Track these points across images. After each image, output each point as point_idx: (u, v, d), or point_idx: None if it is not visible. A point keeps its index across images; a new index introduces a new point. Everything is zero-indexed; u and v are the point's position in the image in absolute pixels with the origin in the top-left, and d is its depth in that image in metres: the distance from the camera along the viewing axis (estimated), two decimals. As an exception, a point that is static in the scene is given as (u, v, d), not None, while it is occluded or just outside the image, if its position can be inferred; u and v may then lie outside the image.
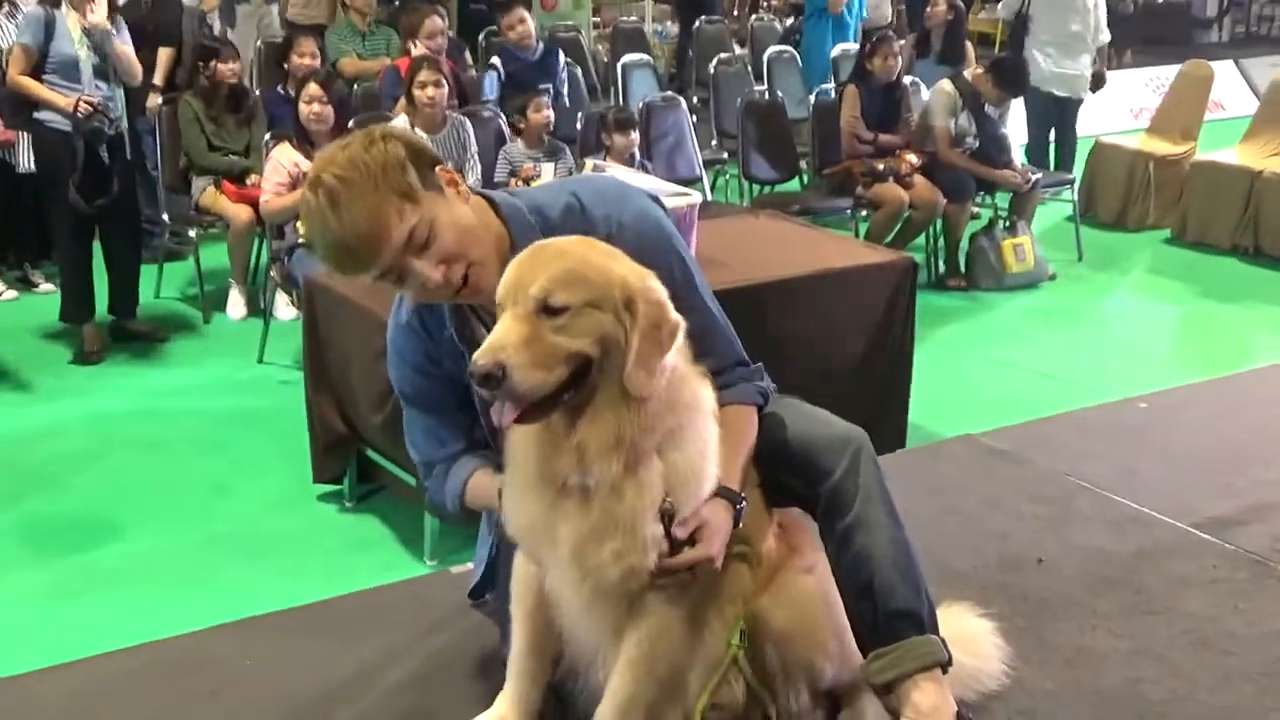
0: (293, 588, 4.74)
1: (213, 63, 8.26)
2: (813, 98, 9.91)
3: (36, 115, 7.15)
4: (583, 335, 2.46)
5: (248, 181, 8.02)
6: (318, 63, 8.62)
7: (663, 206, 2.94)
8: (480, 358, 2.41)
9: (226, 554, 5.36)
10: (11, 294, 8.27)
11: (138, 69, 7.51)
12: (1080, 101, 10.64)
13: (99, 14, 7.02)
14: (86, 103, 6.98)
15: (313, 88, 7.36)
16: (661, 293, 2.54)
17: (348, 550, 5.38)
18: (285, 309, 7.71)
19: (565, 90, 9.58)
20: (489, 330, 2.77)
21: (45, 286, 8.41)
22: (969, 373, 7.38)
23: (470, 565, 3.38)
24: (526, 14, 9.65)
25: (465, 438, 2.98)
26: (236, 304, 8.09)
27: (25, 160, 7.74)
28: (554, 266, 2.46)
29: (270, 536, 5.51)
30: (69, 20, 7.04)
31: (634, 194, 2.89)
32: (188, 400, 6.94)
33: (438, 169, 2.68)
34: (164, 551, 5.39)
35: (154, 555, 5.36)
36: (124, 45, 7.28)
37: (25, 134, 7.58)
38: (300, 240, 7.01)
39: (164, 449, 6.34)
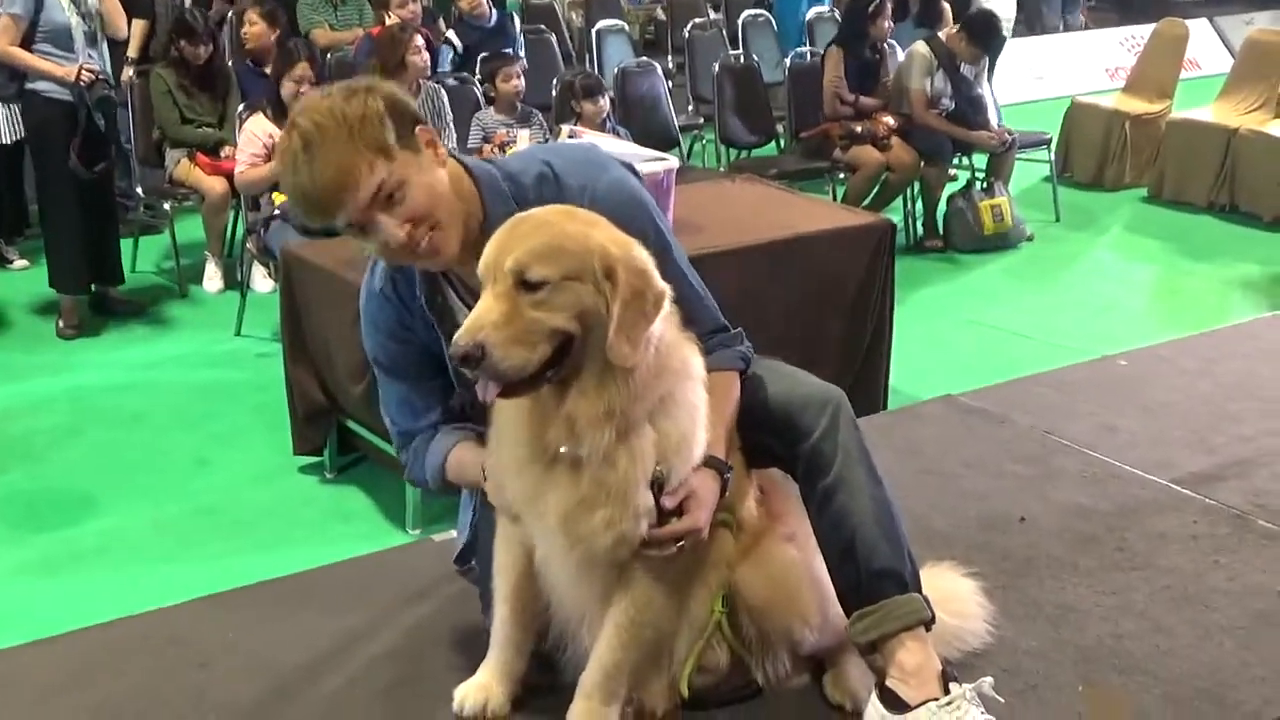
0: (275, 559, 4.76)
1: (181, 42, 8.17)
2: (788, 61, 9.90)
3: (29, 85, 7.10)
4: (563, 310, 2.44)
5: (222, 154, 7.97)
6: (258, 29, 8.52)
7: (637, 174, 2.93)
8: (460, 338, 2.40)
9: (208, 527, 5.35)
10: (-14, 269, 8.24)
11: (123, 19, 7.46)
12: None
13: None
14: (88, 70, 6.95)
15: (302, 67, 7.29)
16: (646, 260, 2.52)
17: (330, 521, 5.38)
18: (262, 281, 7.68)
19: (523, 54, 9.53)
20: (461, 299, 2.78)
21: (20, 263, 8.37)
22: (948, 334, 7.39)
23: (454, 533, 3.37)
24: None
25: (440, 407, 2.97)
26: (213, 277, 8.05)
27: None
28: (531, 240, 2.45)
29: (252, 509, 5.50)
30: None
31: (608, 163, 2.87)
32: (166, 374, 6.92)
33: (418, 128, 2.66)
34: (145, 525, 5.38)
35: (135, 529, 5.35)
36: None
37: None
38: (276, 212, 6.98)
39: (143, 423, 6.33)
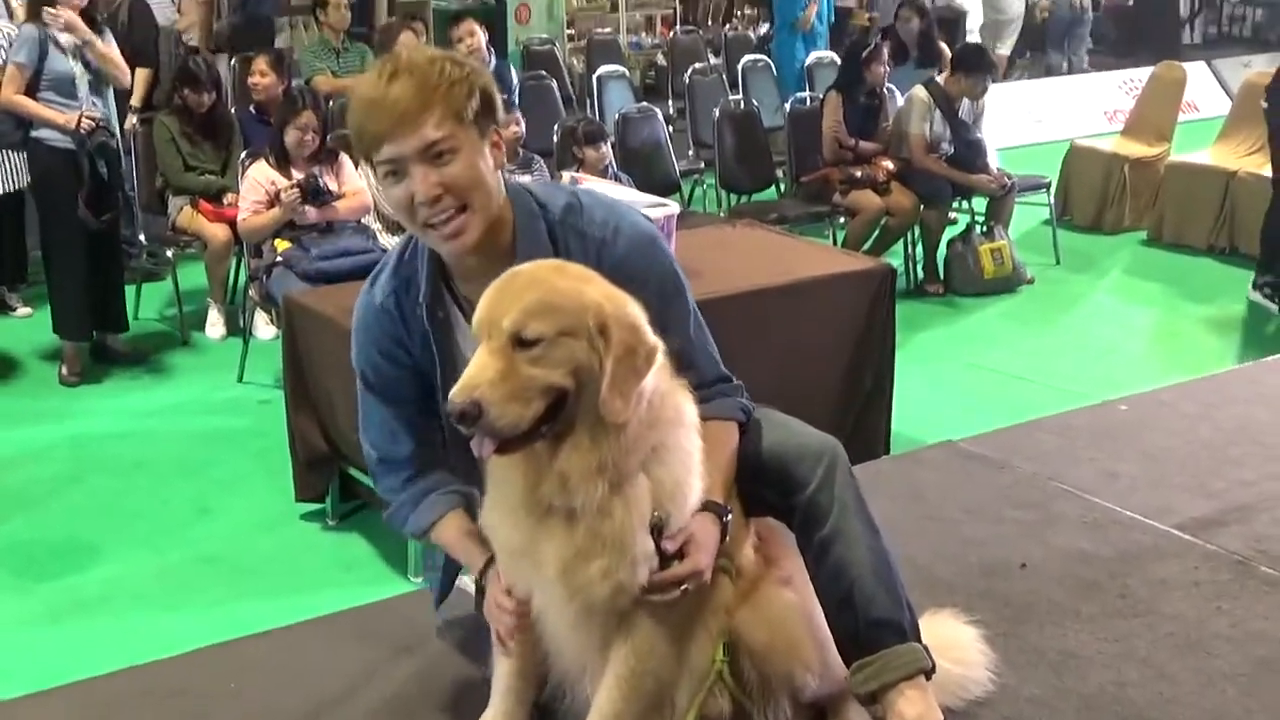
0: (277, 607, 4.75)
1: (185, 90, 8.22)
2: (787, 106, 9.94)
3: (34, 134, 7.14)
4: (557, 366, 2.46)
5: (224, 201, 8.00)
6: (269, 80, 8.58)
7: (648, 219, 2.96)
8: (456, 396, 2.41)
9: (210, 575, 5.34)
10: (-11, 317, 8.25)
11: (125, 68, 7.51)
12: None
13: (68, 15, 7.02)
14: (88, 118, 6.99)
15: (307, 115, 7.33)
16: (638, 316, 2.54)
17: (331, 569, 5.37)
18: (264, 328, 7.69)
19: (517, 100, 9.58)
20: (465, 314, 2.78)
21: (23, 310, 8.38)
22: (949, 378, 7.40)
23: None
24: (476, 27, 9.68)
25: (420, 438, 2.96)
26: (215, 323, 8.06)
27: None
28: (526, 297, 2.46)
29: (253, 556, 5.50)
30: (62, 37, 7.04)
31: (628, 208, 2.92)
32: (168, 421, 6.92)
33: (493, 127, 2.70)
34: (147, 573, 5.37)
35: (137, 577, 5.34)
36: (107, 46, 7.27)
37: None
38: (279, 259, 7.01)
39: (145, 470, 6.32)
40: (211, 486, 6.13)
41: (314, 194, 7.16)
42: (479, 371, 2.43)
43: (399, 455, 2.98)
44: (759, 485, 2.87)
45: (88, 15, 7.17)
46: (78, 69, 7.06)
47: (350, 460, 5.44)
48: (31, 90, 7.05)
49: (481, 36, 9.42)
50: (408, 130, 2.60)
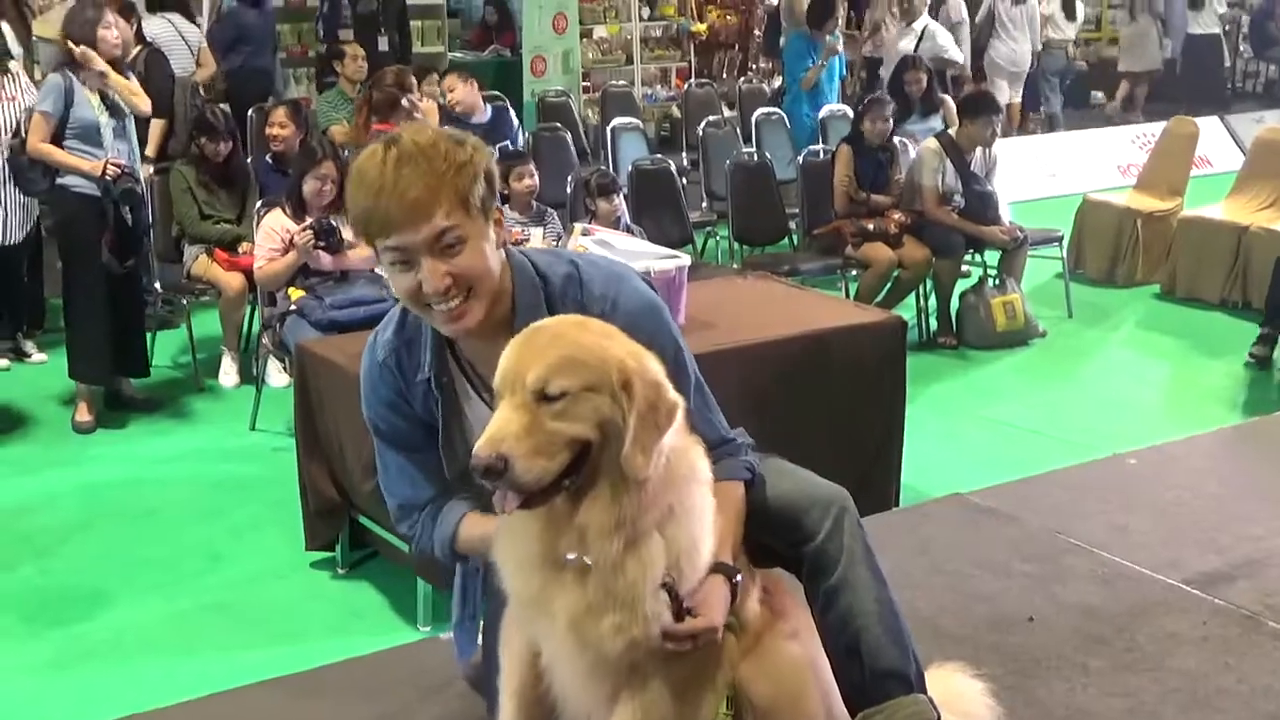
0: (285, 655, 4.75)
1: (203, 139, 8.29)
2: (800, 159, 9.98)
3: (59, 180, 7.20)
4: (581, 420, 2.48)
5: (239, 250, 8.05)
6: (288, 131, 8.64)
7: (650, 284, 2.97)
8: (481, 450, 2.41)
9: (219, 623, 5.34)
10: (3, 363, 8.27)
11: (144, 95, 7.58)
12: None
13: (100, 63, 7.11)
14: (114, 165, 7.06)
15: (328, 165, 7.38)
16: (659, 372, 2.57)
17: (340, 617, 5.37)
18: (277, 376, 7.72)
19: (522, 145, 9.65)
20: (470, 382, 2.79)
21: (38, 356, 8.41)
22: (961, 430, 7.39)
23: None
24: (458, 81, 9.78)
25: (439, 480, 2.97)
26: (229, 371, 8.09)
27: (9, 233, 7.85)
28: (550, 353, 2.48)
29: (263, 604, 5.50)
30: (87, 86, 7.11)
31: (630, 274, 2.93)
32: (180, 468, 6.93)
33: (495, 205, 2.72)
34: (156, 620, 5.37)
35: (146, 624, 5.34)
36: (126, 79, 7.35)
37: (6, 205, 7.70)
38: (292, 307, 7.04)
39: (156, 517, 6.33)
40: (222, 534, 6.14)
41: (327, 235, 7.19)
42: (504, 425, 2.44)
43: (420, 500, 3.00)
44: (767, 534, 2.88)
45: (116, 64, 7.25)
46: (103, 118, 7.13)
47: (360, 509, 5.45)
48: (57, 138, 7.11)
49: (468, 89, 9.48)
50: (419, 221, 2.62)
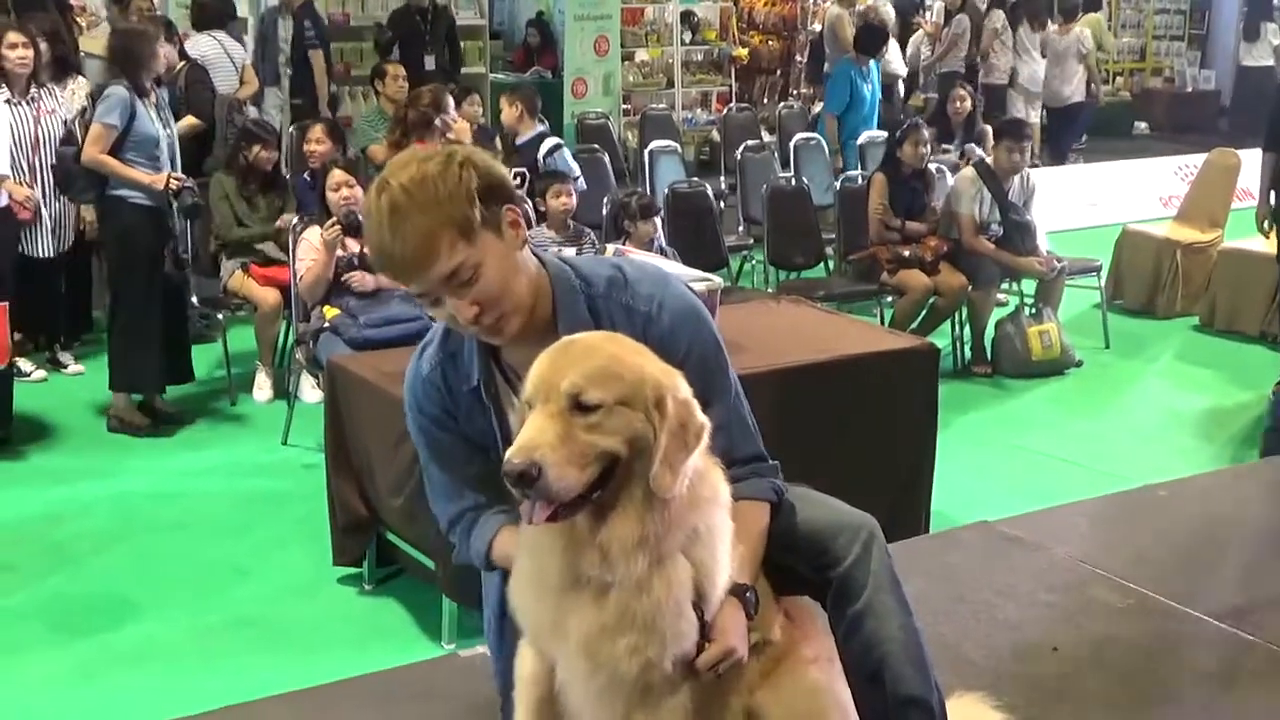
0: (310, 671, 4.74)
1: (255, 147, 8.37)
2: (838, 184, 9.97)
3: (113, 191, 7.27)
4: (614, 434, 2.47)
5: (269, 254, 8.16)
6: (325, 148, 8.69)
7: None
8: (515, 456, 2.41)
9: (245, 636, 5.35)
10: (40, 374, 8.32)
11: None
12: None
13: None
14: (176, 179, 7.16)
15: (337, 174, 7.44)
16: (689, 392, 2.56)
17: (365, 633, 5.37)
18: (310, 391, 7.74)
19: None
20: (513, 388, 2.80)
21: (74, 367, 8.47)
22: (993, 459, 7.35)
23: (482, 648, 3.38)
24: (504, 104, 9.86)
25: (478, 492, 2.98)
26: (262, 386, 8.12)
27: (44, 246, 7.95)
28: (586, 363, 2.48)
29: (288, 619, 5.51)
30: (147, 100, 7.20)
31: (674, 278, 2.94)
32: (211, 482, 6.96)
33: (505, 207, 2.69)
34: (182, 633, 5.38)
35: (173, 637, 5.35)
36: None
37: (44, 218, 7.81)
38: (326, 325, 7.06)
39: (186, 530, 6.35)
40: (251, 548, 6.15)
41: (354, 230, 7.23)
42: (537, 434, 2.43)
43: (460, 512, 3.01)
44: (794, 558, 2.88)
45: (158, 79, 7.36)
46: (163, 132, 7.20)
47: (388, 525, 5.46)
48: (115, 151, 7.18)
49: (510, 111, 9.50)
50: (425, 269, 2.63)
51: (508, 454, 2.42)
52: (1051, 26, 15.58)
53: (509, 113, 9.83)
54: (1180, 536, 4.70)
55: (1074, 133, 16.23)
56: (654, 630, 2.58)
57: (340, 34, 13.24)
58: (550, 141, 9.71)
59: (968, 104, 11.31)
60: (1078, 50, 15.51)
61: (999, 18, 15.27)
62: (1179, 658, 3.80)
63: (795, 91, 16.30)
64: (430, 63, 12.25)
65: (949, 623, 3.85)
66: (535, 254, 2.84)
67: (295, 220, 7.69)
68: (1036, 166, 9.39)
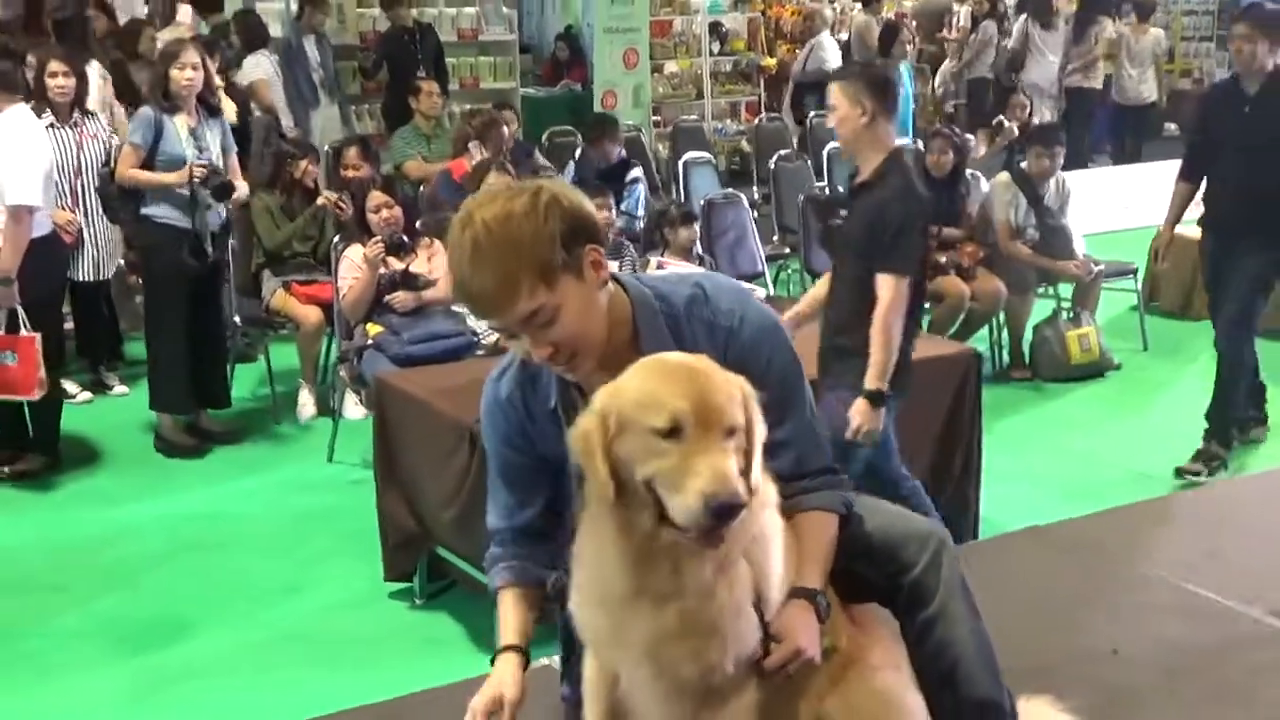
0: (363, 686, 4.74)
1: (302, 162, 8.46)
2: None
3: (144, 211, 7.32)
4: (739, 452, 2.50)
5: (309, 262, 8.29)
6: (363, 171, 8.73)
7: None
8: (723, 492, 2.40)
9: (297, 653, 5.38)
10: (86, 396, 8.39)
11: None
12: None
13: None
14: (198, 166, 7.21)
15: (377, 195, 7.49)
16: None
17: (418, 648, 5.39)
18: (354, 409, 7.77)
19: (628, 207, 9.70)
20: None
21: (119, 389, 8.53)
22: (1036, 463, 7.34)
23: (543, 660, 3.41)
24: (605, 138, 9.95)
25: (531, 511, 3.03)
26: (306, 404, 8.15)
27: (86, 269, 8.02)
28: (721, 390, 2.49)
29: (341, 635, 5.53)
30: (177, 120, 7.24)
31: (752, 294, 2.99)
32: (259, 500, 7.00)
33: (588, 246, 2.69)
34: (235, 650, 5.42)
35: (225, 655, 5.39)
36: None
37: (85, 241, 7.89)
38: (369, 342, 7.09)
39: (236, 548, 6.39)
40: (300, 565, 6.19)
41: (397, 247, 7.28)
42: (728, 465, 2.44)
43: (510, 525, 3.06)
44: (865, 565, 2.90)
45: (204, 101, 7.39)
46: (190, 152, 7.25)
47: (439, 539, 5.48)
48: (145, 171, 7.24)
49: (504, 131, 9.51)
50: (503, 310, 2.65)
51: (714, 486, 2.40)
52: (1123, 26, 15.61)
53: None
54: (1236, 536, 4.69)
55: (1148, 133, 16.23)
56: (715, 633, 2.60)
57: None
58: (633, 173, 9.85)
59: (1027, 111, 11.32)
60: (1153, 51, 15.57)
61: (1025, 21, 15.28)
62: (1240, 658, 3.78)
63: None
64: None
65: (1006, 626, 3.82)
66: (619, 279, 2.86)
67: (337, 239, 7.73)
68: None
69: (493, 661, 2.98)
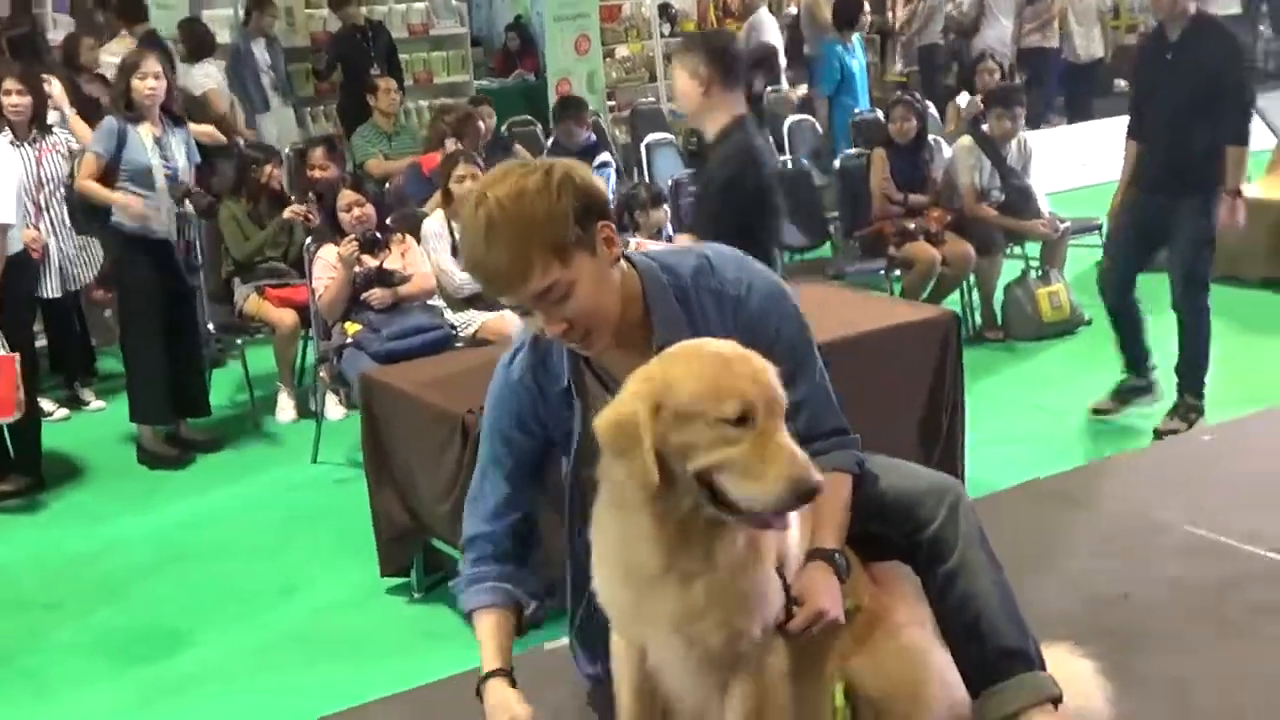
0: (365, 682, 4.73)
1: (267, 167, 8.42)
2: (837, 163, 9.99)
3: (112, 220, 7.27)
4: None
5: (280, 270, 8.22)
6: (331, 172, 8.69)
7: None
8: (808, 476, 2.43)
9: (297, 654, 5.37)
10: (63, 413, 8.34)
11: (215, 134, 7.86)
12: None
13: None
14: (178, 186, 7.27)
15: (348, 194, 7.46)
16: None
17: (418, 641, 5.37)
18: (335, 409, 7.76)
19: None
20: (603, 385, 2.84)
21: (96, 404, 8.49)
22: (1018, 422, 7.37)
23: (546, 645, 3.44)
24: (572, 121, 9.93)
25: (515, 517, 3.04)
26: (285, 407, 8.13)
27: (51, 285, 7.95)
28: (768, 373, 2.50)
29: (340, 632, 5.52)
30: (141, 129, 7.19)
31: (751, 260, 2.96)
32: (246, 505, 6.97)
33: (601, 223, 2.70)
34: (235, 655, 5.40)
35: (226, 659, 5.37)
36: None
37: (52, 257, 7.83)
38: (348, 340, 7.06)
39: (227, 554, 6.36)
40: (294, 566, 6.17)
41: (371, 245, 7.26)
42: (801, 453, 2.46)
43: (481, 532, 3.06)
44: (882, 524, 2.91)
45: (168, 110, 7.34)
46: (155, 161, 7.19)
47: (434, 532, 5.47)
48: (110, 180, 7.18)
49: (480, 127, 9.49)
50: (516, 287, 2.64)
51: (799, 473, 2.43)
52: None
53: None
54: (1231, 478, 4.71)
55: (1098, 90, 16.36)
56: (744, 602, 2.61)
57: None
58: (601, 156, 9.84)
59: (997, 75, 11.36)
60: (1098, 7, 15.73)
61: None
62: (1246, 596, 3.81)
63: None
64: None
65: (1017, 579, 3.85)
66: (627, 256, 2.86)
67: (309, 240, 7.69)
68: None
69: (478, 688, 2.97)
